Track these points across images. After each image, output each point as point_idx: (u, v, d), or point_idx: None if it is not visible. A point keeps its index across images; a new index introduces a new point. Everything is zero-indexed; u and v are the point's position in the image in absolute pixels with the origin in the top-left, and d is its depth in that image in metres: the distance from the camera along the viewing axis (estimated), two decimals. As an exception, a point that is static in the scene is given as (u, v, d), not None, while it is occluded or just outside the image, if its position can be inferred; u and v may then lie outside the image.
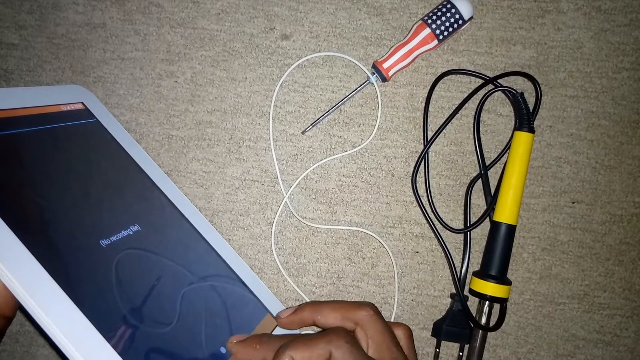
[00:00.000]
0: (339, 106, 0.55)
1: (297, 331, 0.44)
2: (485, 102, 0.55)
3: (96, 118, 0.48)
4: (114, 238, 0.40)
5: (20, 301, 0.32)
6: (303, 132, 0.55)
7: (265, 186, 0.55)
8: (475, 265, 0.54)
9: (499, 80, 0.54)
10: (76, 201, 0.40)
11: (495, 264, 0.52)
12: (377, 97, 0.55)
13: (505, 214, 0.52)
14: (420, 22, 0.53)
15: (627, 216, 0.55)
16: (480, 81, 0.55)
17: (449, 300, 0.55)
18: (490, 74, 0.55)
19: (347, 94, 0.55)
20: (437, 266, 0.55)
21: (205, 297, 0.43)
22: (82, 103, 0.48)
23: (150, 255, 0.42)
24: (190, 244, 0.47)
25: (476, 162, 0.55)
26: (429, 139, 0.55)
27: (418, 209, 0.55)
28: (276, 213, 0.55)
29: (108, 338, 0.33)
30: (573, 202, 0.55)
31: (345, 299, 0.54)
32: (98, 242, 0.38)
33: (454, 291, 0.54)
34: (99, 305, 0.35)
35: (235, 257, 0.50)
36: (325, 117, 0.55)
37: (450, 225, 0.54)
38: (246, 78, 0.55)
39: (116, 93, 0.55)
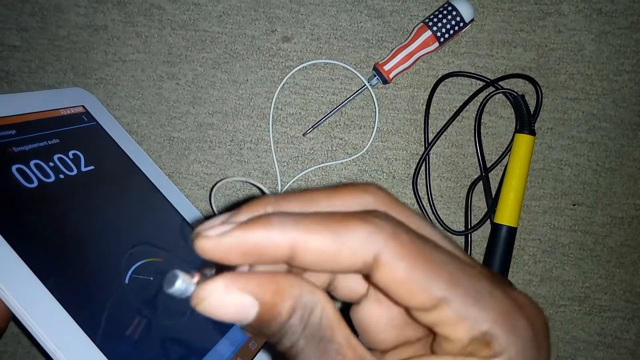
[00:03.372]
0: (339, 109, 0.55)
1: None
2: (486, 105, 0.55)
3: (96, 121, 0.48)
4: (112, 244, 0.40)
5: (14, 312, 0.31)
6: (304, 134, 0.55)
7: (266, 188, 0.55)
8: (476, 268, 0.54)
9: (499, 83, 0.54)
10: (74, 208, 0.40)
11: (496, 266, 0.52)
12: (373, 101, 0.55)
13: (506, 216, 0.52)
14: (421, 24, 0.53)
15: (628, 218, 0.55)
16: (481, 83, 0.55)
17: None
18: (491, 76, 0.55)
19: (348, 96, 0.55)
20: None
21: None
22: (83, 106, 0.48)
23: (152, 260, 0.42)
24: (192, 247, 0.47)
25: (477, 164, 0.55)
26: (429, 141, 0.55)
27: (419, 211, 0.55)
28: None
29: (102, 349, 0.33)
30: (574, 205, 0.55)
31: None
32: (97, 249, 0.39)
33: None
34: (94, 316, 0.35)
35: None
36: (326, 119, 0.55)
37: (451, 228, 0.54)
38: (247, 80, 0.56)
39: (117, 95, 0.55)
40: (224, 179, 0.54)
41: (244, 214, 0.20)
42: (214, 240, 0.19)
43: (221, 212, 0.21)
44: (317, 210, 0.20)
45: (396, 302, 0.19)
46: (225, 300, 0.18)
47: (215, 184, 0.54)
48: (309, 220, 0.18)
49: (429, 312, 0.19)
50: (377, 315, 0.22)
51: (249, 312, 0.18)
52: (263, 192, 0.55)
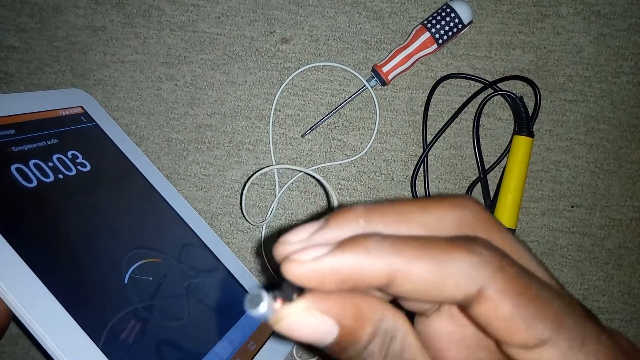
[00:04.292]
0: (338, 110, 0.55)
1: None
2: (485, 106, 0.55)
3: (95, 122, 0.48)
4: (111, 244, 0.40)
5: (15, 312, 0.31)
6: (303, 136, 0.55)
7: (264, 189, 0.55)
8: (475, 269, 0.54)
9: (498, 85, 0.54)
10: (73, 208, 0.40)
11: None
12: (374, 102, 0.55)
13: (504, 217, 0.52)
14: (420, 26, 0.53)
15: (626, 220, 0.55)
16: (480, 85, 0.55)
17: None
18: (490, 78, 0.55)
19: (346, 97, 0.55)
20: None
21: (203, 301, 0.43)
22: (82, 107, 0.48)
23: (151, 261, 0.42)
24: (190, 248, 0.47)
25: (475, 166, 0.55)
26: (428, 143, 0.55)
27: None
28: (269, 211, 0.55)
29: (102, 348, 0.33)
30: (572, 206, 0.55)
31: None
32: (97, 249, 0.38)
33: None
34: (94, 315, 0.35)
35: (234, 260, 0.50)
36: (324, 120, 0.55)
37: (449, 229, 0.54)
38: (246, 81, 0.56)
39: (116, 96, 0.55)
40: (268, 166, 0.54)
41: (333, 228, 0.19)
42: (308, 267, 0.17)
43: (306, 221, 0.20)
44: (411, 226, 0.19)
45: (488, 334, 0.18)
46: (305, 321, 0.17)
47: (259, 169, 0.54)
48: (410, 247, 0.17)
49: (529, 351, 0.18)
50: (448, 332, 0.21)
51: (327, 335, 0.18)
52: (321, 184, 0.55)
